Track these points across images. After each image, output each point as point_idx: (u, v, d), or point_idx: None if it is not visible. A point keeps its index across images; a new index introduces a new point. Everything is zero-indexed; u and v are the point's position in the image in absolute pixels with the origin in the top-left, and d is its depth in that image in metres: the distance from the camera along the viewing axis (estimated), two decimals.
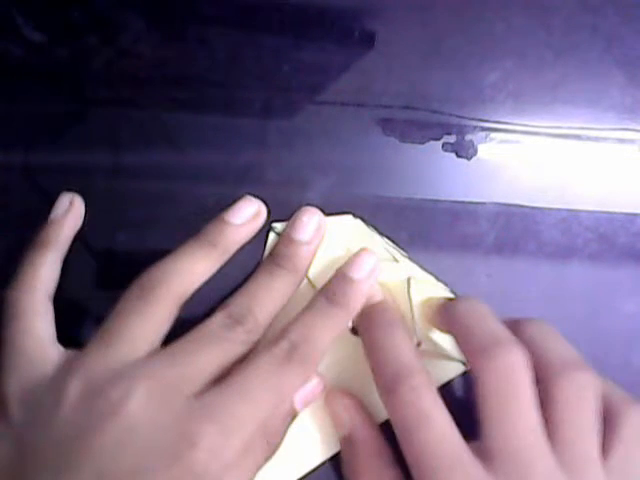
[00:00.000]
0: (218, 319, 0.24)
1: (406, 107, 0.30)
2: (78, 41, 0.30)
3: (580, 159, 0.31)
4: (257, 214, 0.27)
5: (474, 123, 0.30)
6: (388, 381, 0.23)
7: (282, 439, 0.24)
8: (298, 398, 0.25)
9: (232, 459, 0.21)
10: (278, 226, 0.28)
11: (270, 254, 0.27)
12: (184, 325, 0.24)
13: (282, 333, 0.24)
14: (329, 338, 0.24)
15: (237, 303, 0.25)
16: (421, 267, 0.29)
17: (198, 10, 0.31)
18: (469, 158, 0.30)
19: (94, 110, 0.30)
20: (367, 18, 0.31)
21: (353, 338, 0.27)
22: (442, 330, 0.26)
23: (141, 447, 0.21)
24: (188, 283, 0.25)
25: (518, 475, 0.21)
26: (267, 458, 0.24)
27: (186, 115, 0.30)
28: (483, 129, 0.30)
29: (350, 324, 0.26)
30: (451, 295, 0.28)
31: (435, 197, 0.30)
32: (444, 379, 0.27)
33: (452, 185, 0.30)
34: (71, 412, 0.21)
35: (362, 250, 0.26)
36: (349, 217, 0.29)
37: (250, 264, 0.27)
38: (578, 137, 0.31)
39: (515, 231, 0.30)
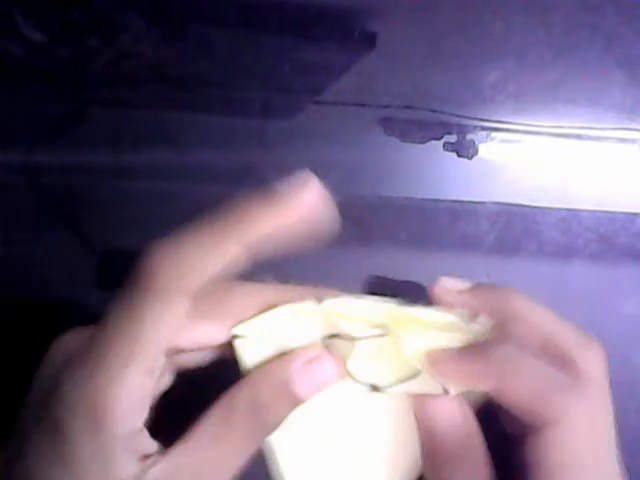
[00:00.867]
0: None
1: (407, 107, 0.30)
2: (78, 41, 0.30)
3: (581, 159, 0.31)
4: None
5: (475, 123, 0.30)
6: None
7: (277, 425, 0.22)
8: (303, 385, 0.22)
9: None
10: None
11: None
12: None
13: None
14: None
15: None
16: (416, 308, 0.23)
17: (198, 10, 0.31)
18: (470, 158, 0.30)
19: (94, 110, 0.30)
20: (368, 18, 0.31)
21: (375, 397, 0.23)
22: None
23: None
24: None
25: None
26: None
27: (186, 115, 0.30)
28: (484, 129, 0.30)
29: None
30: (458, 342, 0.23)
31: (436, 197, 0.30)
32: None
33: (453, 185, 0.30)
34: None
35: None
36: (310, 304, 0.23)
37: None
38: (579, 137, 0.31)
39: (515, 231, 0.30)
